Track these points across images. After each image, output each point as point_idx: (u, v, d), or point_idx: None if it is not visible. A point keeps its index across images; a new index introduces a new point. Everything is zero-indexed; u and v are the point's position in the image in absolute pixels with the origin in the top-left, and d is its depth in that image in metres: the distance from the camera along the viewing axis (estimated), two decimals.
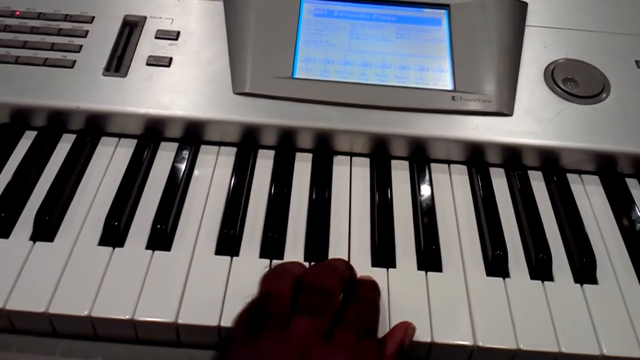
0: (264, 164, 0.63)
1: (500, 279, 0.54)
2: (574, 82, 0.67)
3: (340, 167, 0.64)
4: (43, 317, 0.50)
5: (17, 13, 0.71)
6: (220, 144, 0.65)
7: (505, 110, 0.64)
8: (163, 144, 0.65)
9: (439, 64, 0.68)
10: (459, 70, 0.66)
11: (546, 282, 0.54)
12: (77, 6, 0.72)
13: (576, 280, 0.54)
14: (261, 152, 0.65)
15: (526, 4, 0.74)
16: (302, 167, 0.63)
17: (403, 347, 0.47)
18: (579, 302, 0.53)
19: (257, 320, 0.47)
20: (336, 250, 0.55)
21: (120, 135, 0.65)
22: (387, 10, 0.73)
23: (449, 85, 0.66)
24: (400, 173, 0.63)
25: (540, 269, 0.55)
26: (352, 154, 0.65)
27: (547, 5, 0.75)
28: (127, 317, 0.50)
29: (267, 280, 0.50)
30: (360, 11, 0.73)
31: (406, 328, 0.48)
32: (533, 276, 0.54)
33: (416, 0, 0.73)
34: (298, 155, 0.64)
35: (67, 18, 0.71)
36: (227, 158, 0.64)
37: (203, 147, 0.65)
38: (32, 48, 0.68)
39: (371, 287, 0.52)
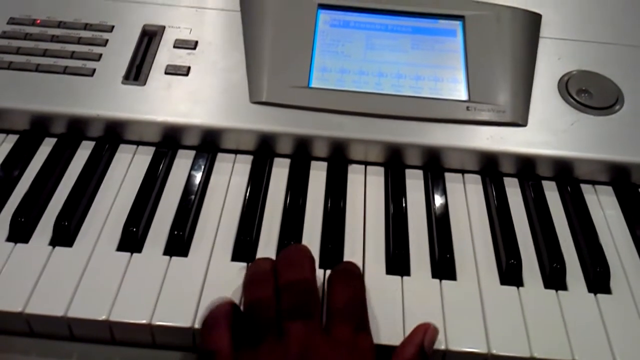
0: (280, 172, 0.64)
1: (514, 287, 0.54)
2: (588, 93, 0.68)
3: (355, 175, 0.64)
4: (61, 321, 0.50)
5: (38, 21, 0.73)
6: (236, 152, 0.66)
7: (519, 120, 0.65)
8: (180, 152, 0.66)
9: (453, 75, 0.68)
10: (474, 81, 0.67)
11: (560, 292, 0.54)
12: (97, 15, 0.73)
13: (590, 290, 0.55)
14: (277, 161, 0.65)
15: (540, 15, 0.75)
16: (317, 176, 0.64)
17: (423, 349, 0.48)
18: (592, 312, 0.53)
19: (253, 333, 0.47)
20: (351, 257, 0.56)
21: (138, 143, 0.66)
22: (403, 22, 0.74)
23: (463, 96, 0.66)
24: (414, 182, 0.64)
25: (554, 278, 0.55)
26: (366, 163, 0.65)
27: (560, 17, 0.75)
28: (145, 321, 0.50)
29: (250, 288, 0.51)
30: (376, 22, 0.74)
31: (426, 329, 0.49)
32: (547, 285, 0.55)
33: (431, 11, 0.74)
34: (313, 163, 0.65)
35: (87, 27, 0.72)
36: (243, 166, 0.64)
37: (220, 155, 0.65)
38: (52, 56, 0.69)
39: (354, 275, 0.51)
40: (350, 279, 0.51)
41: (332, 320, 0.48)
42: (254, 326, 0.48)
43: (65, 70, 0.68)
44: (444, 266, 0.55)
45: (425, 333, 0.49)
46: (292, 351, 0.45)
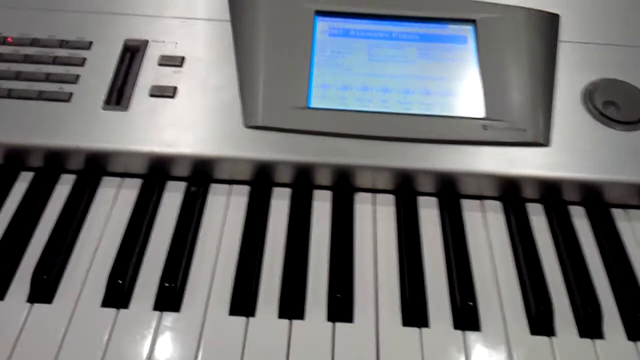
0: (280, 205, 0.58)
1: (546, 337, 0.49)
2: (614, 105, 0.61)
3: (362, 205, 0.59)
4: None
5: (9, 39, 0.66)
6: (231, 182, 0.60)
7: (541, 140, 0.59)
8: (170, 184, 0.60)
9: (466, 88, 0.62)
10: (490, 95, 0.61)
11: (596, 340, 0.49)
12: (74, 30, 0.67)
13: (630, 337, 0.49)
14: (276, 191, 0.60)
15: (558, 16, 0.68)
16: (322, 207, 0.58)
17: None
18: None
19: None
20: (363, 307, 0.50)
21: (123, 175, 0.60)
22: (408, 28, 0.67)
23: (479, 113, 0.60)
24: (428, 212, 0.58)
25: (589, 325, 0.49)
26: (375, 191, 0.60)
27: (581, 18, 0.69)
28: None
29: None
30: (379, 29, 0.67)
31: None
32: (582, 334, 0.49)
33: (439, 15, 0.67)
34: (316, 193, 0.59)
35: (62, 44, 0.66)
36: (239, 198, 0.59)
37: (213, 186, 0.60)
38: (25, 79, 0.63)
39: None
40: None
41: None
42: None
43: (41, 96, 0.62)
44: (466, 315, 0.50)
45: None
46: None
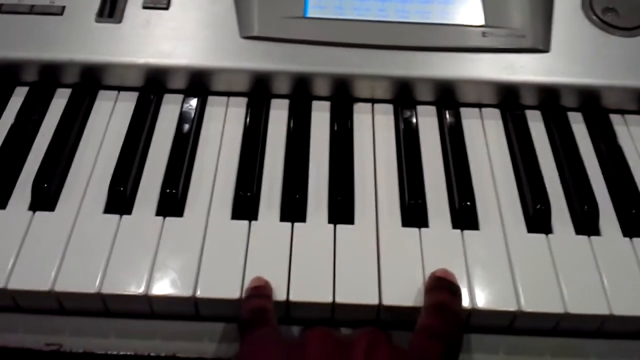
0: (278, 114, 0.58)
1: (543, 235, 0.49)
2: (614, 12, 0.61)
3: (361, 115, 0.58)
4: (49, 295, 0.46)
5: None
6: (229, 94, 0.60)
7: (540, 46, 0.58)
8: (167, 97, 0.60)
9: None
10: (489, 2, 0.60)
11: (593, 237, 0.49)
12: None
13: (625, 234, 0.50)
14: (274, 102, 0.59)
15: None
16: (320, 117, 0.58)
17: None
18: (629, 258, 0.48)
19: None
20: (362, 210, 0.51)
21: (119, 88, 0.60)
22: None
23: (478, 20, 0.59)
24: (427, 120, 0.58)
25: (586, 223, 0.50)
26: (373, 101, 0.59)
27: None
28: (141, 292, 0.46)
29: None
30: None
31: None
32: (578, 231, 0.50)
33: None
34: (315, 103, 0.59)
35: None
36: (237, 110, 0.58)
37: (210, 99, 0.59)
38: None
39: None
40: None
41: (420, 330, 0.42)
42: None
43: (32, 10, 0.61)
44: (465, 215, 0.50)
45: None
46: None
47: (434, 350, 0.40)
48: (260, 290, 0.45)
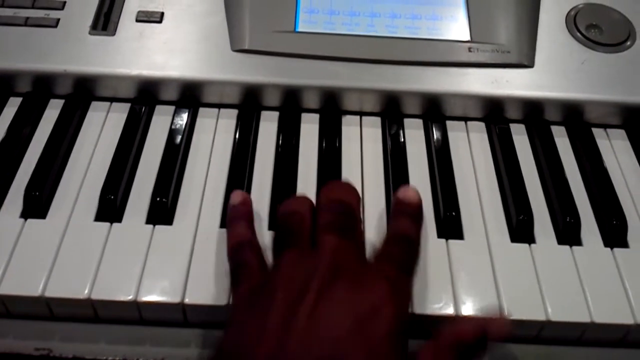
0: (268, 126, 0.59)
1: (526, 245, 0.50)
2: (597, 28, 0.62)
3: (349, 127, 0.60)
4: (39, 301, 0.46)
5: None
6: (220, 106, 0.61)
7: (525, 61, 0.60)
8: (159, 108, 0.60)
9: (453, 12, 0.63)
10: (475, 19, 0.62)
11: (574, 247, 0.50)
12: None
13: (606, 244, 0.51)
14: (264, 114, 0.60)
15: None
16: (309, 129, 0.59)
17: (485, 334, 0.40)
18: (609, 267, 0.49)
19: (284, 241, 0.44)
20: None
21: (112, 100, 0.61)
22: None
23: (465, 36, 0.61)
24: (414, 133, 0.59)
25: (568, 233, 0.51)
26: (362, 113, 0.61)
27: None
28: (130, 298, 0.46)
29: (284, 205, 0.47)
30: None
31: (482, 327, 0.41)
32: (560, 241, 0.51)
33: None
34: (304, 116, 0.60)
35: None
36: (228, 121, 0.59)
37: (202, 110, 0.60)
38: (11, 6, 0.63)
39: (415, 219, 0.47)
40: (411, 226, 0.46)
41: (379, 257, 0.44)
42: (285, 234, 0.45)
43: (27, 22, 0.62)
44: (449, 225, 0.51)
45: (477, 328, 0.41)
46: (323, 261, 0.40)
47: (392, 273, 0.42)
48: (238, 211, 0.48)
